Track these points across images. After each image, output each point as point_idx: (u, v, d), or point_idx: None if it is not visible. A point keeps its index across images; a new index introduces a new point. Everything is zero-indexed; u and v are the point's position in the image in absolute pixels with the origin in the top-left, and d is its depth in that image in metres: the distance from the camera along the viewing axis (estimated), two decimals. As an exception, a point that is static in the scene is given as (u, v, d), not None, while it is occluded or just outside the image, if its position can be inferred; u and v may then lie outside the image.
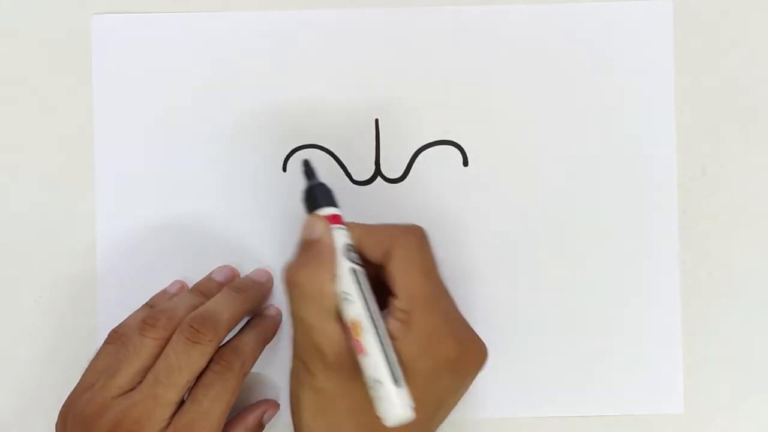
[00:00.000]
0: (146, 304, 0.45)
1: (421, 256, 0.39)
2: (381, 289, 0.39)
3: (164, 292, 0.46)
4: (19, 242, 0.47)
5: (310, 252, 0.39)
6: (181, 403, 0.40)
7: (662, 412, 0.46)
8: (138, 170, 0.47)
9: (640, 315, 0.46)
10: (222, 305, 0.42)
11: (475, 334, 0.40)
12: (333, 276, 0.38)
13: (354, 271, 0.38)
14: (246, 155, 0.47)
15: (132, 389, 0.40)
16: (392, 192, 0.47)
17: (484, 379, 0.46)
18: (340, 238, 0.39)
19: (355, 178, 0.47)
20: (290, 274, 0.39)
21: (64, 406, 0.42)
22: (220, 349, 0.41)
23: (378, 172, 0.47)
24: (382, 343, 0.36)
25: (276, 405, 0.45)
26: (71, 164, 0.47)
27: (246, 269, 0.46)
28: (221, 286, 0.45)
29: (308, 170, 0.42)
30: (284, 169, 0.47)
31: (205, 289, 0.44)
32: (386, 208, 0.47)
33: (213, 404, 0.40)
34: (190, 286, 0.46)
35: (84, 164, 0.47)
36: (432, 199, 0.46)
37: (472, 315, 0.46)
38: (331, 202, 0.41)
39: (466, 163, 0.47)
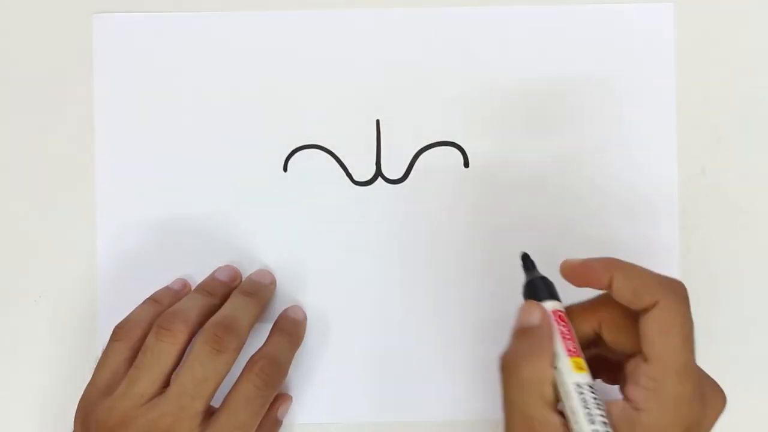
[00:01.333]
0: (150, 298, 0.45)
1: (683, 320, 0.36)
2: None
3: (167, 288, 0.46)
4: (19, 242, 0.47)
5: (528, 339, 0.37)
6: (207, 408, 0.40)
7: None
8: (138, 170, 0.47)
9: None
10: (240, 311, 0.42)
11: (714, 384, 0.37)
12: (553, 363, 0.36)
13: (578, 385, 0.36)
14: (246, 155, 0.47)
15: (154, 396, 0.39)
16: (393, 193, 0.47)
17: (481, 379, 0.46)
18: (564, 329, 0.37)
19: (356, 178, 0.47)
20: (511, 363, 0.37)
21: (81, 409, 0.41)
22: (260, 361, 0.41)
23: (379, 173, 0.47)
24: None
25: (289, 398, 0.46)
26: (71, 164, 0.47)
27: (246, 269, 0.46)
28: (225, 285, 0.45)
29: (527, 263, 0.41)
30: (284, 169, 0.47)
31: (211, 289, 0.44)
32: (387, 208, 0.47)
33: (250, 418, 0.40)
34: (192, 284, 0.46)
35: (84, 164, 0.47)
36: (433, 200, 0.46)
37: (472, 315, 0.46)
38: (554, 295, 0.39)
39: (467, 164, 0.47)
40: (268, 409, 0.44)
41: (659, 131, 0.47)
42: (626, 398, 0.36)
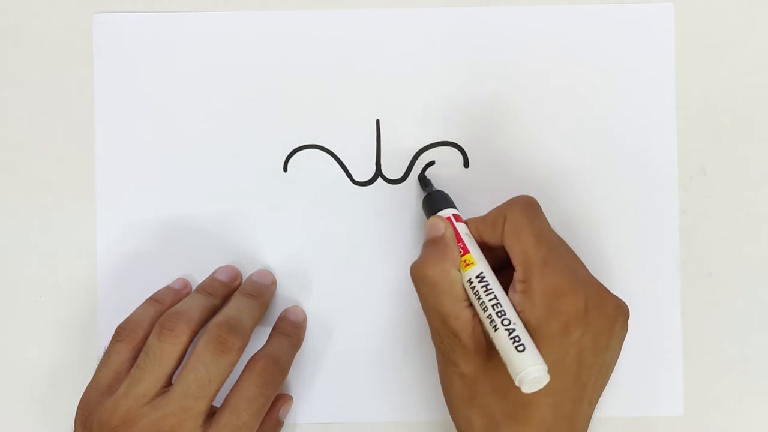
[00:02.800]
0: (151, 298, 0.45)
1: (529, 222, 0.39)
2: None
3: (168, 288, 0.46)
4: (19, 242, 0.47)
5: (434, 247, 0.40)
6: (209, 408, 0.40)
7: (662, 414, 0.47)
8: (138, 170, 0.47)
9: (640, 316, 0.46)
10: (243, 312, 0.42)
11: (604, 288, 0.40)
12: (458, 265, 0.39)
13: (475, 259, 0.39)
14: (246, 155, 0.47)
15: (156, 396, 0.39)
16: (393, 193, 0.47)
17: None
18: (462, 230, 0.41)
19: (356, 178, 0.47)
20: (417, 270, 0.40)
21: (81, 409, 0.41)
22: (261, 360, 0.41)
23: (379, 173, 0.47)
24: (503, 318, 0.37)
25: (289, 398, 0.46)
26: (71, 164, 0.47)
27: (246, 269, 0.46)
28: (226, 286, 0.45)
29: (424, 181, 0.46)
30: (285, 169, 0.47)
31: (212, 290, 0.44)
32: (387, 208, 0.47)
33: (252, 418, 0.40)
34: (192, 284, 0.46)
35: (84, 164, 0.47)
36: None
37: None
38: (449, 204, 0.43)
39: (467, 164, 0.47)
40: (270, 409, 0.44)
41: (659, 131, 0.47)
42: (514, 307, 0.38)
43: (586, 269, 0.40)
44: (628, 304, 0.41)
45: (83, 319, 0.47)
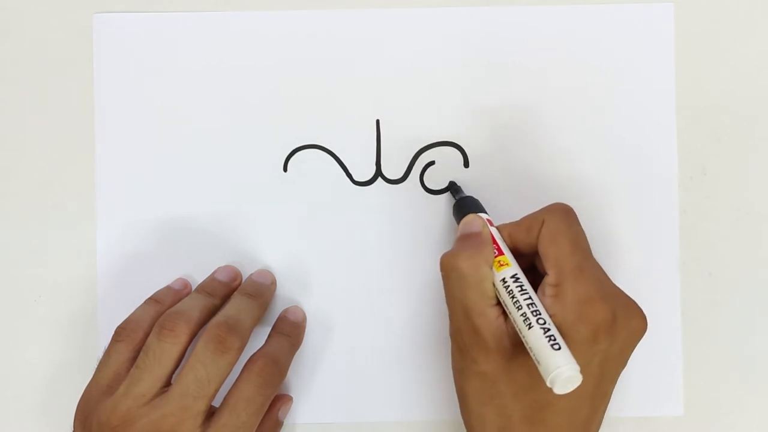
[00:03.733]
0: (151, 298, 0.45)
1: (566, 228, 0.39)
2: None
3: (168, 288, 0.46)
4: (19, 242, 0.47)
5: (469, 241, 0.40)
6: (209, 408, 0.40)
7: (662, 414, 0.47)
8: (138, 170, 0.47)
9: (640, 315, 0.46)
10: (242, 312, 0.42)
11: (633, 302, 0.40)
12: (491, 264, 0.39)
13: (509, 261, 0.39)
14: (246, 155, 0.47)
15: (156, 396, 0.39)
16: (393, 193, 0.47)
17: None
18: (495, 234, 0.41)
19: (356, 178, 0.47)
20: (449, 260, 0.40)
21: (81, 409, 0.41)
22: (260, 360, 0.41)
23: (379, 173, 0.47)
24: (539, 317, 0.37)
25: (289, 399, 0.46)
26: (71, 164, 0.47)
27: (246, 269, 0.46)
28: (225, 286, 0.45)
29: (455, 187, 0.46)
30: (285, 169, 0.47)
31: (211, 290, 0.44)
32: (387, 208, 0.47)
33: (251, 417, 0.40)
34: (192, 284, 0.46)
35: (84, 164, 0.47)
36: (433, 200, 0.46)
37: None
38: (481, 209, 0.43)
39: (467, 164, 0.47)
40: (269, 409, 0.44)
41: (659, 131, 0.47)
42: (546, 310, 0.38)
43: (614, 284, 0.40)
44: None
45: (83, 319, 0.47)
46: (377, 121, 0.47)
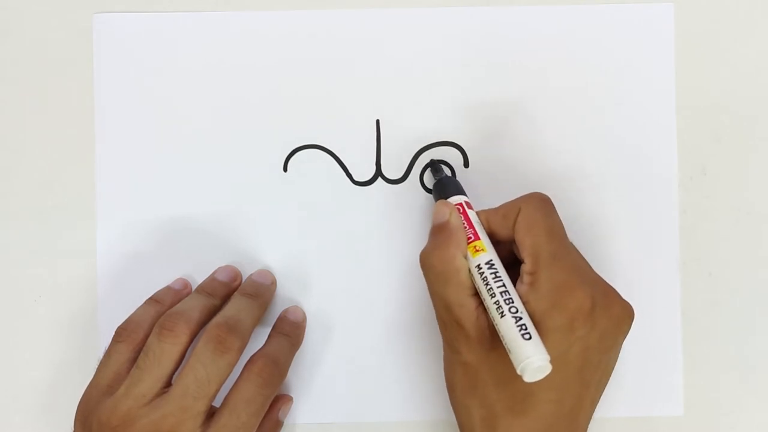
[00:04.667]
0: (151, 298, 0.45)
1: (542, 216, 0.40)
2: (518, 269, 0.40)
3: (168, 288, 0.46)
4: (19, 242, 0.47)
5: (440, 235, 0.40)
6: (209, 409, 0.40)
7: (662, 414, 0.47)
8: (138, 170, 0.47)
9: (639, 316, 0.46)
10: (243, 312, 0.42)
11: (614, 291, 0.40)
12: (464, 252, 0.39)
13: (485, 246, 0.39)
14: (246, 155, 0.47)
15: (156, 396, 0.39)
16: (393, 193, 0.47)
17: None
18: (473, 218, 0.41)
19: (356, 178, 0.47)
20: (424, 258, 0.40)
21: (81, 409, 0.41)
22: (260, 360, 0.41)
23: (379, 173, 0.47)
24: (511, 306, 0.37)
25: (290, 399, 0.46)
26: (71, 164, 0.47)
27: (247, 269, 0.46)
28: (225, 286, 0.45)
29: (435, 167, 0.45)
30: (285, 169, 0.47)
31: (211, 290, 0.44)
32: (387, 208, 0.47)
33: (251, 418, 0.40)
34: (192, 284, 0.46)
35: (84, 164, 0.47)
36: (433, 200, 0.46)
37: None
38: (460, 191, 0.43)
39: (467, 164, 0.47)
40: (270, 409, 0.44)
41: (659, 131, 0.47)
42: (521, 298, 0.38)
43: (595, 272, 0.40)
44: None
45: (83, 319, 0.47)
46: (377, 121, 0.47)
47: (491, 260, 0.39)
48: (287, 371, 0.43)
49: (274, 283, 0.46)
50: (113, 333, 0.42)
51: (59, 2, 0.47)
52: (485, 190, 0.47)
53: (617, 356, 0.41)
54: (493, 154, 0.47)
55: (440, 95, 0.47)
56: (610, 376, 0.41)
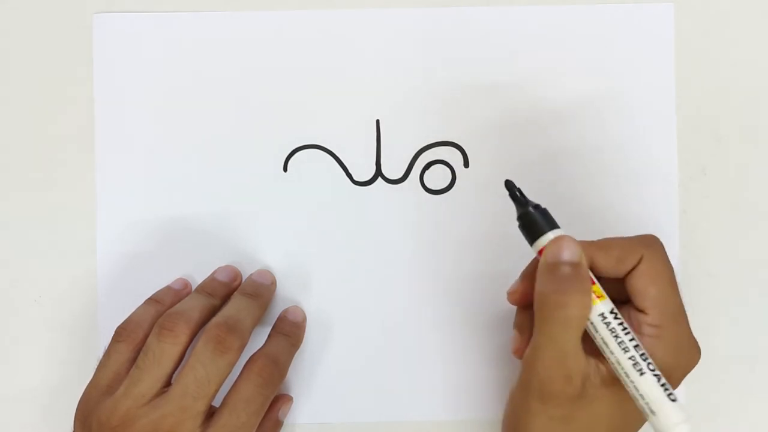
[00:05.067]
0: (151, 298, 0.45)
1: (666, 268, 0.38)
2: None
3: (168, 288, 0.46)
4: (19, 242, 0.47)
5: (573, 276, 0.36)
6: (208, 408, 0.40)
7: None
8: (138, 170, 0.47)
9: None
10: (242, 312, 0.42)
11: (695, 340, 0.39)
12: (591, 303, 0.36)
13: (602, 292, 0.37)
14: (246, 155, 0.47)
15: (156, 396, 0.39)
16: (393, 193, 0.47)
17: (481, 379, 0.46)
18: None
19: (356, 178, 0.47)
20: (554, 297, 0.36)
21: (81, 409, 0.41)
22: (260, 360, 0.41)
23: (379, 173, 0.47)
24: (649, 363, 0.35)
25: (289, 399, 0.46)
26: (71, 164, 0.47)
27: (247, 269, 0.46)
28: (225, 286, 0.45)
29: (514, 193, 0.39)
30: (285, 169, 0.47)
31: (211, 290, 0.44)
32: (387, 208, 0.47)
33: (251, 417, 0.40)
34: (192, 284, 0.46)
35: (84, 164, 0.47)
36: (432, 200, 0.46)
37: (472, 314, 0.46)
38: (554, 225, 0.38)
39: (467, 164, 0.47)
40: (269, 409, 0.44)
41: (659, 131, 0.47)
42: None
43: None
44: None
45: (83, 319, 0.47)
46: (377, 121, 0.47)
47: (614, 309, 0.36)
48: (287, 371, 0.43)
49: (274, 283, 0.46)
50: (113, 333, 0.42)
51: (59, 2, 0.47)
52: (485, 190, 0.47)
53: None
54: (493, 154, 0.47)
55: (440, 95, 0.47)
56: None
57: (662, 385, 0.35)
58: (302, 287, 0.46)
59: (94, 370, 0.42)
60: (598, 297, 0.36)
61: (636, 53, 0.47)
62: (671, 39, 0.47)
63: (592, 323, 0.36)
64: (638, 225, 0.47)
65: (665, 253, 0.39)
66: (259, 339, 0.44)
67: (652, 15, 0.47)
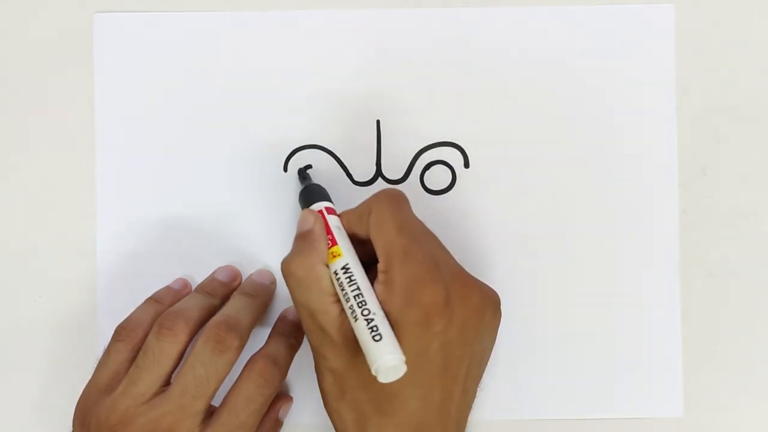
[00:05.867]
0: (151, 298, 0.45)
1: (391, 213, 0.39)
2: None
3: (168, 287, 0.46)
4: (19, 242, 0.47)
5: (302, 242, 0.40)
6: (208, 408, 0.40)
7: (661, 415, 0.46)
8: (138, 170, 0.47)
9: (639, 316, 0.46)
10: (241, 312, 0.42)
11: (472, 279, 0.39)
12: (325, 260, 0.39)
13: (341, 251, 0.39)
14: (247, 155, 0.47)
15: (155, 395, 0.40)
16: (393, 193, 0.47)
17: (484, 378, 0.46)
18: (333, 223, 0.41)
19: (356, 178, 0.47)
20: (285, 266, 0.40)
21: (80, 408, 0.41)
22: (260, 360, 0.41)
23: (379, 173, 0.47)
24: (364, 308, 0.37)
25: (289, 399, 0.46)
26: (71, 164, 0.47)
27: (246, 269, 0.46)
28: (225, 286, 0.45)
29: (303, 175, 0.45)
30: (285, 170, 0.47)
31: (211, 290, 0.44)
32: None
33: (250, 417, 0.40)
34: (192, 284, 0.46)
35: (84, 164, 0.47)
36: (433, 200, 0.46)
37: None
38: (324, 197, 0.43)
39: (467, 164, 0.47)
40: (270, 409, 0.44)
41: (659, 131, 0.47)
42: (377, 297, 0.38)
43: (453, 260, 0.40)
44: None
45: (83, 318, 0.47)
46: (377, 121, 0.47)
47: (347, 264, 0.39)
48: (287, 371, 0.43)
49: (274, 283, 0.46)
50: (113, 332, 0.42)
51: (59, 2, 0.47)
52: (485, 190, 0.47)
53: (491, 344, 0.41)
54: (493, 154, 0.47)
55: (440, 95, 0.47)
56: (484, 364, 0.41)
57: (370, 327, 0.36)
58: (302, 287, 0.46)
59: (94, 369, 0.42)
60: (336, 256, 0.39)
61: (636, 53, 0.47)
62: (671, 39, 0.47)
63: (332, 282, 0.39)
64: (638, 225, 0.47)
65: (394, 201, 0.40)
66: (259, 339, 0.44)
67: (652, 16, 0.47)
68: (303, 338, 0.46)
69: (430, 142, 0.47)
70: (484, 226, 0.46)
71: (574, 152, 0.47)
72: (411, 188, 0.47)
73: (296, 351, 0.45)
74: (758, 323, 0.47)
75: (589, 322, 0.46)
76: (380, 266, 0.38)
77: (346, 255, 0.39)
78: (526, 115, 0.47)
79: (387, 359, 0.35)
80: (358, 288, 0.38)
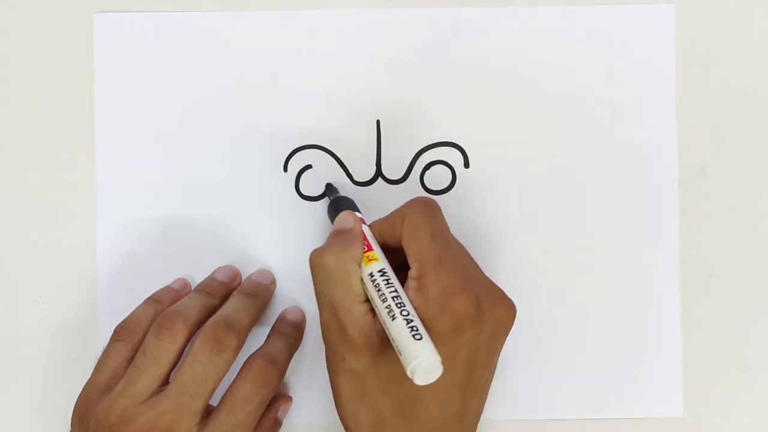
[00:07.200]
0: (150, 298, 0.45)
1: (425, 221, 0.39)
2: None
3: (168, 287, 0.46)
4: (19, 242, 0.47)
5: (338, 238, 0.40)
6: (206, 407, 0.40)
7: (661, 415, 0.46)
8: (138, 170, 0.47)
9: (639, 316, 0.46)
10: (240, 311, 0.42)
11: (500, 291, 0.40)
12: (358, 260, 0.39)
13: (378, 256, 0.39)
14: (247, 155, 0.47)
15: (153, 394, 0.40)
16: (393, 193, 0.47)
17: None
18: (366, 232, 0.41)
19: (356, 179, 0.47)
20: (317, 256, 0.39)
21: (78, 408, 0.41)
22: (258, 360, 0.41)
23: (379, 173, 0.47)
24: (402, 309, 0.37)
25: (289, 399, 0.46)
26: (71, 164, 0.47)
27: (246, 269, 0.46)
28: (225, 286, 0.45)
29: (331, 188, 0.46)
30: (285, 170, 0.47)
31: (210, 290, 0.44)
32: (387, 209, 0.46)
33: (248, 417, 0.40)
34: (192, 284, 0.46)
35: (84, 164, 0.47)
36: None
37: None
38: (355, 209, 0.43)
39: (467, 164, 0.47)
40: (269, 409, 0.44)
41: (659, 131, 0.47)
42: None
43: (481, 271, 0.40)
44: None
45: (83, 318, 0.47)
46: (377, 121, 0.47)
47: (383, 269, 0.39)
48: (285, 371, 0.43)
49: (273, 283, 0.46)
50: (112, 332, 0.42)
51: (59, 2, 0.47)
52: (485, 189, 0.47)
53: (499, 355, 0.41)
54: (493, 154, 0.47)
55: (440, 95, 0.47)
56: (494, 374, 0.42)
57: (410, 327, 0.36)
58: (302, 287, 0.46)
59: (93, 369, 0.42)
60: (372, 260, 0.39)
61: (636, 53, 0.47)
62: (671, 39, 0.47)
63: (364, 284, 0.39)
64: (638, 225, 0.47)
65: (428, 209, 0.40)
66: (259, 339, 0.44)
67: (652, 16, 0.47)
68: (302, 338, 0.46)
69: (430, 142, 0.47)
70: (484, 226, 0.46)
71: (573, 152, 0.47)
72: (411, 188, 0.47)
73: (295, 351, 0.45)
74: (758, 323, 0.47)
75: (589, 322, 0.46)
76: (412, 273, 0.38)
77: (382, 261, 0.39)
78: (526, 115, 0.47)
79: (425, 358, 0.35)
80: (396, 290, 0.38)
